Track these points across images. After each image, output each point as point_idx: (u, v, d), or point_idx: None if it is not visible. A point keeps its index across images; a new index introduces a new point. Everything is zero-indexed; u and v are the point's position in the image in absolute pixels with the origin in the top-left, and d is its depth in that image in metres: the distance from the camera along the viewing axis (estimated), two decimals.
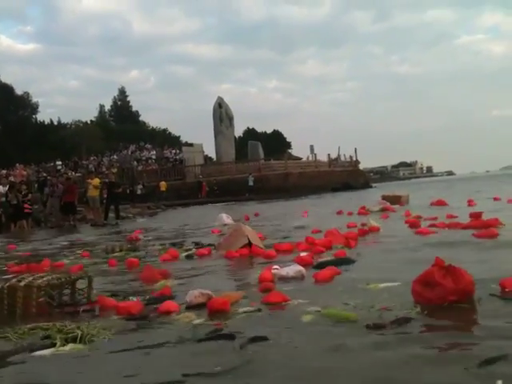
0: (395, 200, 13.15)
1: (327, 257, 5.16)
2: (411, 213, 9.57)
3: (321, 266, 4.54)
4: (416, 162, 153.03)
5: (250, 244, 6.14)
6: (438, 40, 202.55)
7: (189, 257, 6.24)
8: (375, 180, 68.95)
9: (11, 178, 22.69)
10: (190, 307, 3.35)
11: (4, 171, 29.94)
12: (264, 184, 32.03)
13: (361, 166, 46.78)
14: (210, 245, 6.96)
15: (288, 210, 15.83)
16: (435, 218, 8.13)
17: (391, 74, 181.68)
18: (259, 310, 3.19)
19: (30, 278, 3.61)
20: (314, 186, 31.82)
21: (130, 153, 40.76)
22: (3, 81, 55.11)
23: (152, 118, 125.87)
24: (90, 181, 18.32)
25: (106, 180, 19.07)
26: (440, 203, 11.91)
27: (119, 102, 68.90)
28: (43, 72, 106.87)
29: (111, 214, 17.62)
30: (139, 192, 30.86)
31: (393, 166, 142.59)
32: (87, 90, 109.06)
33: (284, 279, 4.11)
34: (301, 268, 4.28)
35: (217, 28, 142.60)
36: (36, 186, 21.30)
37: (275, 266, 4.52)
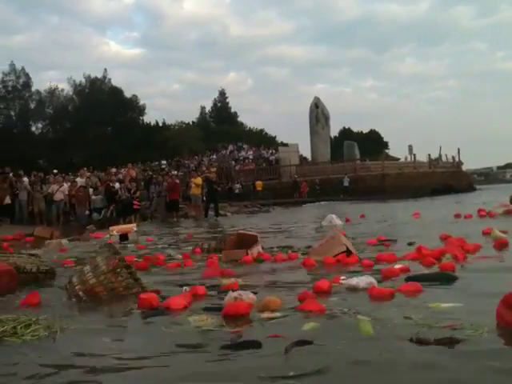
0: None
1: (433, 270, 4.58)
2: None
3: (414, 279, 4.10)
4: None
5: (348, 253, 5.72)
6: None
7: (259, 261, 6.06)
8: (479, 182, 65.21)
9: (120, 176, 24.38)
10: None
11: (114, 169, 32.23)
12: (359, 185, 31.61)
13: (464, 167, 44.56)
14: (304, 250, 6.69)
15: (392, 213, 14.94)
16: None
17: (496, 71, 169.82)
18: (284, 317, 3.12)
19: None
20: (413, 188, 30.78)
21: (228, 153, 42.04)
22: (113, 84, 58.92)
23: (249, 119, 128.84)
24: (192, 179, 19.25)
25: (208, 175, 19.87)
26: None
27: (219, 104, 71.03)
28: (147, 76, 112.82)
29: (211, 212, 18.40)
30: (237, 191, 31.77)
31: (499, 168, 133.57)
32: (188, 93, 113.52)
33: (353, 290, 3.87)
34: (372, 280, 3.93)
35: (311, 28, 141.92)
36: (142, 184, 22.65)
37: (343, 277, 4.28)
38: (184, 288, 4.19)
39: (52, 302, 4.02)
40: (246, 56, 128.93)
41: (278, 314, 3.18)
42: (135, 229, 10.16)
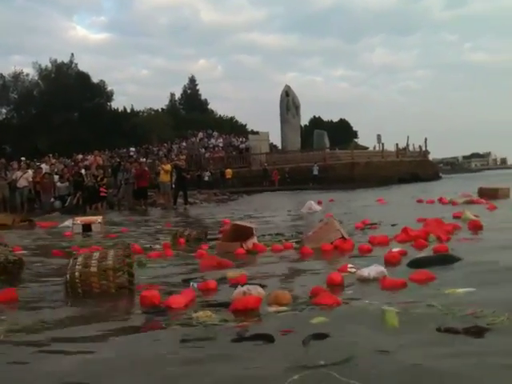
0: (492, 194, 11.33)
1: (427, 252, 4.61)
2: None
3: (417, 263, 4.10)
4: (489, 153, 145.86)
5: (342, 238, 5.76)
6: None
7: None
8: (445, 171, 66.52)
9: (86, 163, 23.95)
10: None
11: (80, 156, 31.62)
12: (329, 173, 31.82)
13: (430, 157, 45.38)
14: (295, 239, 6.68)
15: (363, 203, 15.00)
16: None
17: (465, 63, 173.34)
18: (292, 311, 3.03)
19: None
20: (381, 177, 31.17)
21: (198, 140, 41.72)
22: (80, 69, 57.60)
23: (219, 107, 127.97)
24: (163, 166, 19.01)
25: (177, 162, 19.65)
26: None
27: (189, 91, 70.25)
28: (115, 61, 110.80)
29: (180, 200, 18.25)
30: (206, 179, 31.60)
31: (464, 157, 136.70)
32: (158, 79, 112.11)
33: (364, 281, 3.80)
34: (383, 269, 3.89)
35: (283, 17, 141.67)
36: (110, 171, 22.27)
37: (350, 265, 4.25)
38: (192, 284, 4.03)
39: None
40: (217, 43, 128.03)
41: (285, 308, 3.08)
42: (100, 220, 9.97)
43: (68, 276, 3.80)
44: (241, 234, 6.23)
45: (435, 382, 2.02)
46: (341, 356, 2.22)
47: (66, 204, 17.33)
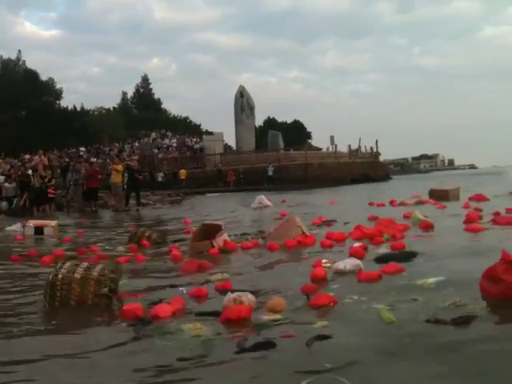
0: (443, 195, 11.40)
1: (384, 248, 4.83)
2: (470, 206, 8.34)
3: (383, 259, 4.29)
4: (437, 154, 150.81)
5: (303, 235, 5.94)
6: (463, 32, 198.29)
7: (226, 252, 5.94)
8: (396, 172, 68.20)
9: (32, 163, 23.09)
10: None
11: (28, 156, 30.48)
12: (283, 174, 31.95)
13: (381, 158, 46.41)
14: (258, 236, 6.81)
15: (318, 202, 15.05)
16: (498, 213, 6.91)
17: (414, 67, 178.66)
18: (286, 318, 2.94)
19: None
20: (334, 178, 31.61)
21: (151, 140, 41.05)
22: (28, 66, 55.71)
23: (173, 106, 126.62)
24: (114, 166, 18.50)
25: (129, 163, 19.17)
26: (480, 198, 10.31)
27: (141, 90, 69.15)
28: (66, 59, 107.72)
29: (132, 201, 17.84)
30: (160, 179, 31.12)
31: (414, 158, 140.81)
32: (110, 77, 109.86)
33: (340, 273, 3.91)
34: (359, 262, 4.05)
35: (238, 17, 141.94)
36: (59, 171, 21.55)
37: (324, 260, 4.35)
38: (181, 289, 3.88)
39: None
40: (172, 42, 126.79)
41: (279, 317, 2.97)
42: (53, 224, 9.57)
43: (50, 277, 3.68)
44: (209, 232, 6.23)
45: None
46: (345, 359, 2.23)
47: (13, 206, 16.65)
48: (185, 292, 3.81)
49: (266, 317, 2.99)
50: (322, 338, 2.51)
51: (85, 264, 3.82)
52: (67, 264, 3.79)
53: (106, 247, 6.90)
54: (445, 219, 7.43)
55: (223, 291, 3.57)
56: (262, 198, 11.58)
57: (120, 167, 18.26)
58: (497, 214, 6.89)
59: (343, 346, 2.44)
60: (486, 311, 2.68)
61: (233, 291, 3.41)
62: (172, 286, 4.12)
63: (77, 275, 3.65)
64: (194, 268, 4.84)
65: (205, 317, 3.09)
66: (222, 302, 3.22)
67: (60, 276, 3.65)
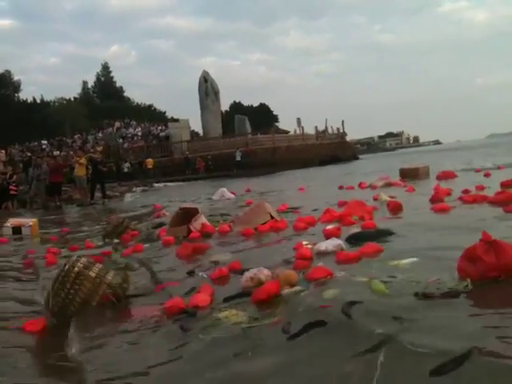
0: (413, 173, 11.24)
1: (356, 229, 4.79)
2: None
3: (356, 238, 4.29)
4: (402, 132, 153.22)
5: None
6: (421, 8, 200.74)
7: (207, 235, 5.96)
8: (362, 151, 69.02)
9: None
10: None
11: None
12: (252, 159, 31.83)
13: (348, 138, 46.75)
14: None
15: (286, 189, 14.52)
16: (467, 191, 6.90)
17: (375, 45, 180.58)
18: (303, 290, 2.93)
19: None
20: (302, 160, 31.69)
21: (115, 130, 40.26)
22: None
23: (136, 94, 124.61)
24: (77, 159, 17.97)
25: (92, 155, 18.69)
26: (448, 175, 10.23)
27: (102, 78, 67.72)
28: (21, 50, 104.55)
29: (97, 194, 17.45)
30: (126, 170, 30.59)
31: (380, 137, 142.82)
32: (69, 67, 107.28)
33: (322, 254, 3.89)
34: (340, 241, 4.05)
35: (195, 0, 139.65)
36: (21, 166, 20.90)
37: (305, 242, 4.32)
38: (201, 274, 3.80)
39: None
40: (129, 27, 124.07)
41: (300, 288, 2.96)
42: (31, 223, 9.20)
43: (67, 266, 3.46)
44: (186, 217, 6.24)
45: None
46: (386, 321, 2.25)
47: None
48: (205, 276, 3.71)
49: (287, 290, 2.95)
50: (353, 303, 2.50)
51: (99, 265, 3.68)
52: (83, 259, 3.63)
53: (99, 243, 6.72)
54: (414, 199, 7.44)
55: (236, 271, 3.61)
56: (224, 191, 11.49)
57: (83, 160, 17.75)
58: (466, 191, 6.92)
59: (376, 310, 2.45)
60: (470, 289, 2.67)
61: (245, 270, 3.38)
62: (190, 273, 3.99)
63: (92, 273, 3.50)
64: (190, 252, 4.81)
65: (233, 300, 3.00)
66: (239, 283, 3.22)
67: (76, 269, 3.46)
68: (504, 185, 6.83)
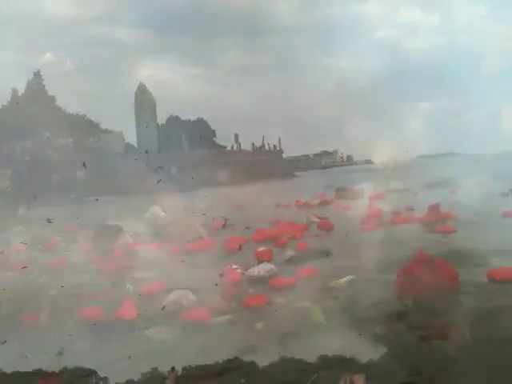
0: (349, 194, 11.61)
1: (290, 248, 5.00)
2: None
3: (294, 260, 4.58)
4: (337, 151, 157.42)
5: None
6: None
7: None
8: (298, 168, 70.14)
9: None
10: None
11: None
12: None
13: (284, 155, 47.37)
14: None
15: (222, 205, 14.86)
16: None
17: (314, 65, 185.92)
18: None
19: None
20: (239, 176, 31.63)
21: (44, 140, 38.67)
22: None
23: (70, 104, 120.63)
24: None
25: None
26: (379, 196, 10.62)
27: (34, 87, 65.12)
28: None
29: None
30: None
31: (315, 155, 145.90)
32: None
33: (256, 280, 3.93)
34: (272, 266, 4.16)
35: (137, 11, 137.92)
36: None
37: (234, 266, 4.36)
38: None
39: None
40: (65, 35, 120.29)
41: (229, 316, 3.02)
42: None
43: None
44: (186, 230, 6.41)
45: None
46: None
47: None
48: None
49: (218, 318, 2.96)
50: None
51: None
52: None
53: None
54: (346, 217, 7.61)
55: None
56: (156, 209, 11.33)
57: None
58: (397, 213, 7.20)
59: None
60: (414, 305, 2.77)
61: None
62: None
63: None
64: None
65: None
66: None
67: None
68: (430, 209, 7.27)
